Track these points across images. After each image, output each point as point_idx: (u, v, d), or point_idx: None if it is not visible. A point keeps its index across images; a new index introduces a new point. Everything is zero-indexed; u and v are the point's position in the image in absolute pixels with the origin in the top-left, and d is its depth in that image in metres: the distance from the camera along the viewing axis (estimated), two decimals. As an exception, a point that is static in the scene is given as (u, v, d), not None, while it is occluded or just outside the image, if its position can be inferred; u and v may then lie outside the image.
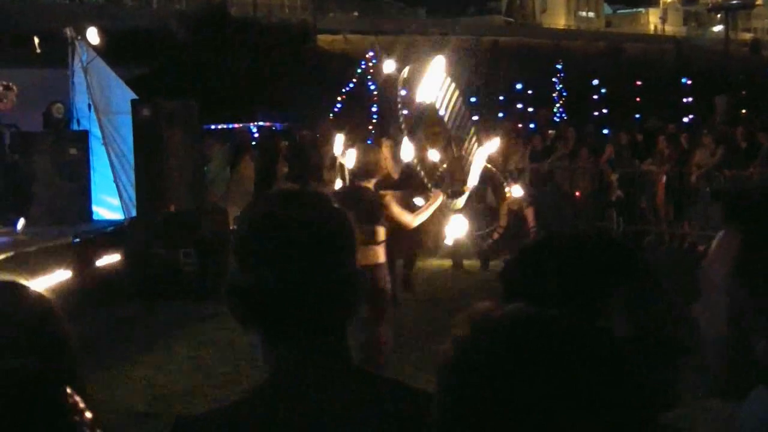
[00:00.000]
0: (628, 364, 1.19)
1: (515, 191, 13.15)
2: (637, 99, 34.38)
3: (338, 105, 27.05)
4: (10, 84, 12.76)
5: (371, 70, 28.86)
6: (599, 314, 1.53)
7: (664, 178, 15.74)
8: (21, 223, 12.62)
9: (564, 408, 1.14)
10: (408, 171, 10.17)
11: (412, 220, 8.29)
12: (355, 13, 59.22)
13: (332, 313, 1.75)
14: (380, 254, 7.97)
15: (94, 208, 14.45)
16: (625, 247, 1.73)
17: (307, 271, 1.71)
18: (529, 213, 15.48)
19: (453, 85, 9.67)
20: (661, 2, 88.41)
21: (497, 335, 1.21)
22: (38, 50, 15.62)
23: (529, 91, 35.16)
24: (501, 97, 33.75)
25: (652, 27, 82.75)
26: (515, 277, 1.69)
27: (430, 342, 9.18)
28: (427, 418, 1.68)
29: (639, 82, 37.47)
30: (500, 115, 29.18)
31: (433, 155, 11.06)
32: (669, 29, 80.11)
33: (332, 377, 1.73)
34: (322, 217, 1.76)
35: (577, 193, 16.79)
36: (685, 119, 25.33)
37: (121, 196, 14.36)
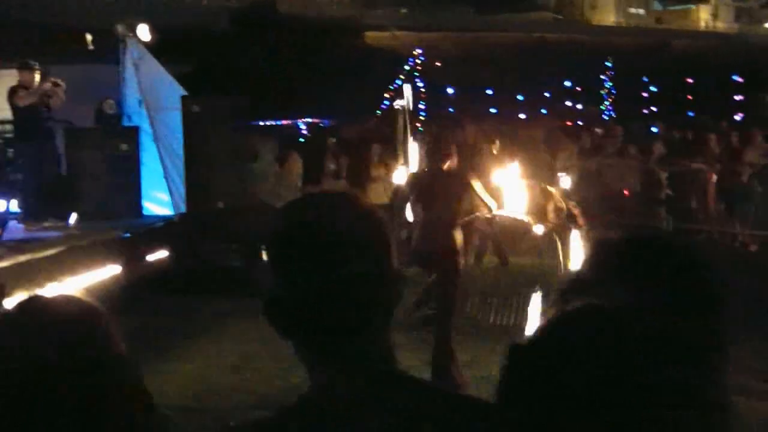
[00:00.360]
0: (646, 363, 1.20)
1: (563, 182, 13.06)
2: (688, 96, 34.05)
3: (385, 102, 27.06)
4: (59, 81, 12.91)
5: (419, 67, 28.86)
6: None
7: (715, 177, 15.57)
8: (73, 217, 12.79)
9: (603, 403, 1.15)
10: None
11: (494, 204, 8.38)
12: (403, 10, 59.08)
13: (357, 316, 1.74)
14: (459, 238, 8.04)
15: (145, 203, 14.58)
16: (665, 246, 1.74)
17: (323, 275, 1.71)
18: (578, 213, 15.37)
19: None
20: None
21: (543, 333, 1.23)
22: (90, 47, 15.79)
23: (578, 88, 34.95)
24: (547, 94, 33.61)
25: (702, 23, 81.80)
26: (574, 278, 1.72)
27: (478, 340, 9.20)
28: (448, 420, 1.69)
29: (689, 80, 37.11)
30: (543, 111, 29.08)
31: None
32: (720, 25, 79.14)
33: (353, 382, 1.73)
34: (342, 220, 1.75)
35: (626, 192, 16.66)
36: (737, 117, 25.05)
37: (171, 192, 14.49)
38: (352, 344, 1.74)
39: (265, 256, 1.81)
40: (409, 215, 8.55)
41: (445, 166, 8.13)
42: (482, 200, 8.38)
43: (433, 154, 8.32)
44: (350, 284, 1.71)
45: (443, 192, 8.07)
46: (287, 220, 1.81)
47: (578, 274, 1.74)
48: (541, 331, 1.26)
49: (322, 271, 1.71)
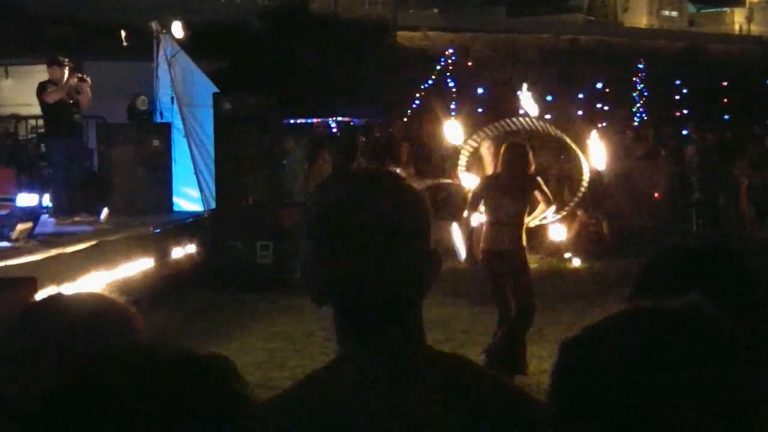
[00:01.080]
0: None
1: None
2: (725, 100, 33.81)
3: (417, 101, 27.06)
4: (84, 76, 12.97)
5: (450, 67, 28.84)
6: None
7: (746, 181, 15.45)
8: (104, 212, 12.87)
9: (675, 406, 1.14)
10: None
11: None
12: (435, 10, 59.03)
13: (400, 297, 1.73)
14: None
15: (175, 199, 14.66)
16: (730, 255, 1.77)
17: (368, 255, 1.69)
18: (605, 223, 15.24)
19: None
20: (747, 1, 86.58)
21: (599, 330, 1.23)
22: (124, 43, 15.90)
23: (609, 90, 34.81)
24: (581, 95, 33.49)
25: (737, 27, 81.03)
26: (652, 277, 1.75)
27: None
28: (483, 396, 1.68)
29: (723, 83, 36.86)
30: (579, 112, 28.97)
31: None
32: (755, 29, 78.36)
33: (396, 362, 1.72)
34: (391, 200, 1.74)
35: (656, 194, 16.58)
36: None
37: (201, 188, 14.56)
38: (390, 321, 1.72)
39: (306, 225, 1.77)
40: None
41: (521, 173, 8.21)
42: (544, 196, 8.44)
43: (511, 162, 8.20)
44: (392, 260, 1.70)
45: (517, 193, 8.17)
46: (329, 193, 1.80)
47: (644, 277, 1.76)
48: (597, 328, 1.25)
49: (363, 246, 1.69)
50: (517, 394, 1.77)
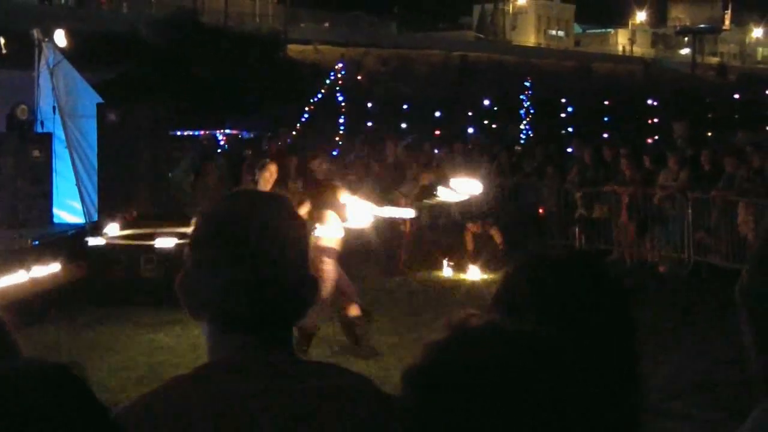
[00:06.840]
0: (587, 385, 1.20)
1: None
2: (605, 118, 34.68)
3: (306, 115, 27.04)
4: None
5: (340, 82, 28.93)
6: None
7: (627, 198, 15.81)
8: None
9: (525, 423, 1.15)
10: None
11: None
12: (326, 24, 59.19)
13: (287, 310, 1.80)
14: None
15: (56, 211, 14.33)
16: (581, 267, 1.78)
17: (262, 265, 1.75)
18: (495, 232, 15.44)
19: None
20: (630, 23, 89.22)
21: (469, 345, 1.22)
22: (4, 51, 15.48)
23: (496, 108, 35.35)
24: (470, 113, 33.94)
25: (620, 48, 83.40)
26: (514, 292, 1.74)
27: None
28: (361, 399, 1.73)
29: (607, 102, 37.82)
30: (470, 131, 29.33)
31: None
32: (637, 50, 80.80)
33: (273, 364, 1.77)
34: (282, 218, 1.81)
35: (541, 210, 16.87)
36: (650, 140, 25.57)
37: (83, 200, 14.25)
38: (273, 340, 1.80)
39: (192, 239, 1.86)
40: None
41: None
42: None
43: None
44: (283, 273, 1.77)
45: None
46: (224, 205, 1.88)
47: (501, 289, 1.76)
48: (436, 353, 1.24)
49: (257, 256, 1.75)
50: (378, 393, 1.82)
